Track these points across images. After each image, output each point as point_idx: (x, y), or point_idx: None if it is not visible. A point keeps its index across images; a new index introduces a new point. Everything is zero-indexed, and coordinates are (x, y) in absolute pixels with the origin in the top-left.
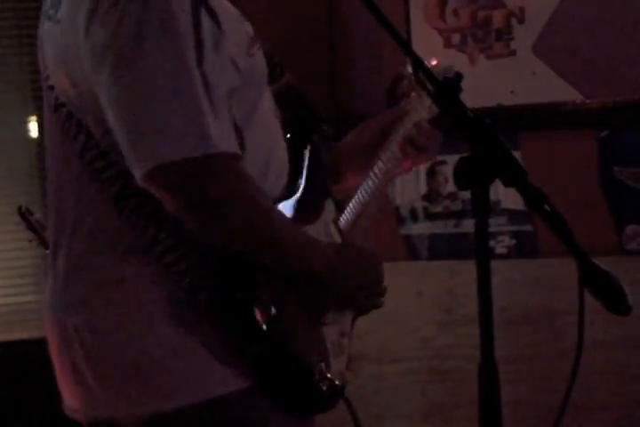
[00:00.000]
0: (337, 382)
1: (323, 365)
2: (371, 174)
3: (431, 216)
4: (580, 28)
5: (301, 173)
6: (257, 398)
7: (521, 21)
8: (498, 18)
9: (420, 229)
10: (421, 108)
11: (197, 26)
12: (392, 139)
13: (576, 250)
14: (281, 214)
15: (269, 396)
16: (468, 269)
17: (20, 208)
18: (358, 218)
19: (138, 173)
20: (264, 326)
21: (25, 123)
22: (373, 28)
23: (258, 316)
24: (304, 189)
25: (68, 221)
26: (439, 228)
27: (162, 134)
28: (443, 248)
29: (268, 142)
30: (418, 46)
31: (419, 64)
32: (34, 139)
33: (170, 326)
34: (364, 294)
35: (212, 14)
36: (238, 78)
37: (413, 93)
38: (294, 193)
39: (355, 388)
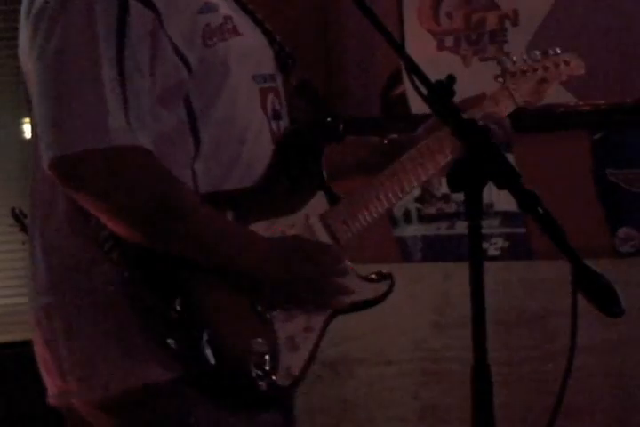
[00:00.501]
0: (277, 379)
1: (264, 359)
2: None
3: (425, 218)
4: (573, 30)
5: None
6: (183, 389)
7: (515, 24)
8: (491, 20)
9: (414, 230)
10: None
11: (121, 16)
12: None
13: (569, 252)
14: (196, 208)
15: (195, 388)
16: (462, 272)
17: (13, 210)
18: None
19: (45, 162)
20: (177, 317)
21: (18, 124)
22: (367, 31)
23: (175, 306)
24: (274, 180)
25: (39, 210)
26: (433, 230)
27: (63, 126)
28: (436, 250)
29: (232, 132)
30: (411, 48)
31: (412, 66)
32: (27, 140)
33: (107, 316)
34: (312, 289)
35: (148, 4)
36: (184, 70)
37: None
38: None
39: (348, 391)
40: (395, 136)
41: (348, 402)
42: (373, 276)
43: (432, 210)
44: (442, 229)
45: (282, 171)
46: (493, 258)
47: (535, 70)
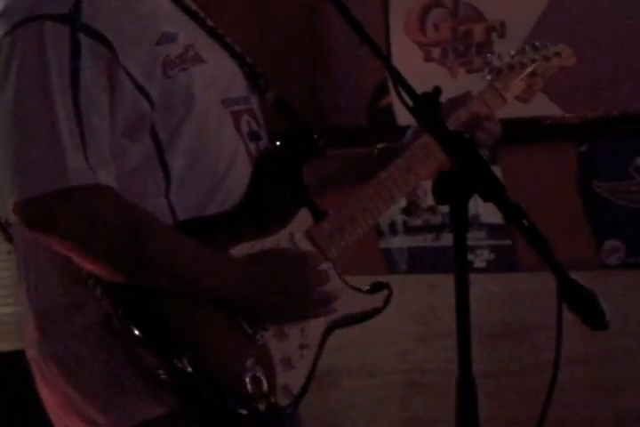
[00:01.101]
0: (275, 399)
1: (260, 381)
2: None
3: (411, 229)
4: (560, 42)
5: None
6: (182, 422)
7: (501, 35)
8: (478, 32)
9: (400, 242)
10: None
11: (74, 55)
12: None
13: (554, 265)
14: (165, 238)
15: (195, 419)
16: (448, 283)
17: None
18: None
19: (9, 207)
20: (162, 348)
21: None
22: (354, 42)
23: (159, 338)
24: (254, 201)
25: (22, 254)
26: (418, 241)
27: (22, 171)
28: (422, 262)
29: (205, 159)
30: (398, 60)
31: (398, 78)
32: None
33: (98, 354)
34: (293, 302)
35: (101, 39)
36: (145, 103)
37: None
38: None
39: (333, 402)
40: (383, 145)
41: (333, 413)
42: (368, 287)
43: (418, 221)
44: (428, 240)
45: (261, 191)
46: (479, 270)
47: (524, 65)
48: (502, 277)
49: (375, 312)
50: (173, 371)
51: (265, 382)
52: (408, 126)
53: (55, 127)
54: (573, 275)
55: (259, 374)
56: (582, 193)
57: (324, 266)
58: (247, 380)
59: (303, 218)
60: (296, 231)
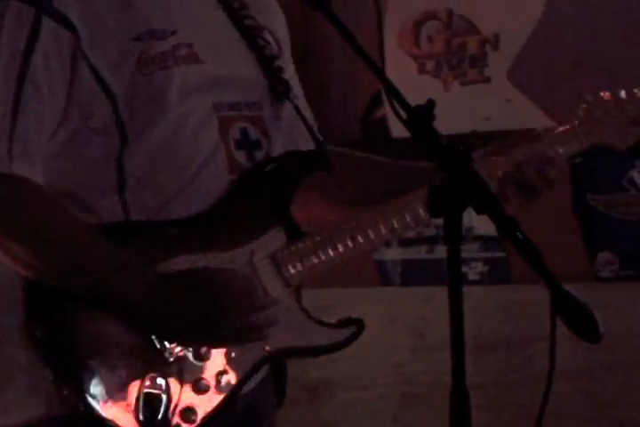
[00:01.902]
0: (171, 421)
1: (157, 398)
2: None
3: (404, 242)
4: (553, 55)
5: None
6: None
7: (495, 48)
8: (472, 44)
9: (393, 254)
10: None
11: (31, 37)
12: None
13: (548, 277)
14: (68, 233)
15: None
16: (441, 296)
17: None
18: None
19: None
20: (56, 352)
21: None
22: (348, 55)
23: (53, 340)
24: (221, 211)
25: None
26: (412, 253)
27: None
28: (416, 274)
29: (171, 162)
30: (392, 72)
31: (392, 90)
32: None
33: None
34: (206, 325)
35: (66, 24)
36: (103, 97)
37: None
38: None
39: (327, 415)
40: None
41: (327, 426)
42: (333, 321)
43: (411, 234)
44: (421, 252)
45: (235, 202)
46: (473, 282)
47: (623, 110)
48: (496, 289)
49: (333, 348)
50: (62, 378)
51: (162, 401)
52: (402, 139)
53: None
54: (567, 287)
55: (157, 391)
56: (576, 205)
57: (276, 292)
58: (143, 395)
59: (273, 236)
60: (260, 250)
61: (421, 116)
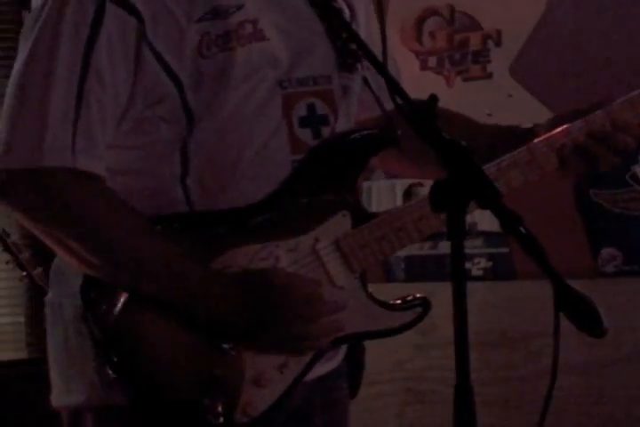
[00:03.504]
0: (232, 414)
1: (219, 391)
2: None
3: None
4: (556, 51)
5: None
6: (133, 417)
7: (497, 44)
8: (474, 40)
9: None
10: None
11: (95, 23)
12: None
13: (551, 273)
14: (138, 238)
15: (144, 416)
16: (445, 292)
17: None
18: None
19: None
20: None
21: None
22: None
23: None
24: (285, 195)
25: None
26: (416, 249)
27: (4, 136)
28: (419, 270)
29: (232, 144)
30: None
31: (394, 86)
32: None
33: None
34: (274, 334)
35: (131, 10)
36: (169, 83)
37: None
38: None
39: None
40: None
41: None
42: (399, 302)
43: None
44: (425, 248)
45: (298, 185)
46: (477, 278)
47: None
48: (500, 284)
49: (401, 330)
50: (122, 368)
51: (224, 394)
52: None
53: (48, 100)
54: (570, 283)
55: (219, 384)
56: (579, 201)
57: (340, 283)
58: (205, 388)
59: (338, 222)
60: (324, 237)
61: (424, 112)
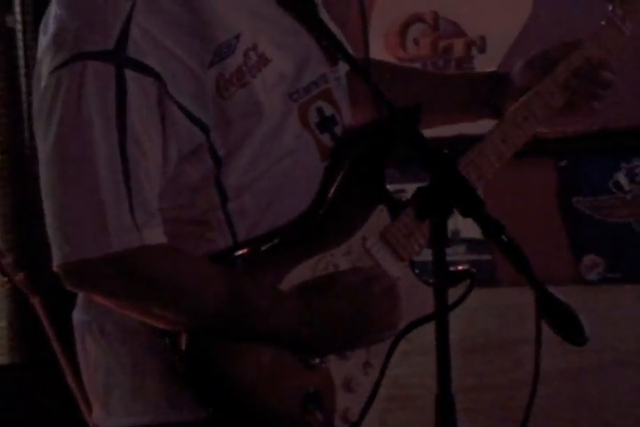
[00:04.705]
0: (334, 423)
1: (319, 406)
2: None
3: None
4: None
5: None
6: None
7: (481, 51)
8: (458, 47)
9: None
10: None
11: (121, 96)
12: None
13: (533, 280)
14: (216, 290)
15: None
16: None
17: None
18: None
19: (54, 263)
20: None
21: None
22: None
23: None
24: (323, 205)
25: None
26: (419, 251)
27: (64, 233)
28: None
29: (266, 166)
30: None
31: (377, 93)
32: None
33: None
34: (354, 336)
35: (147, 71)
36: (199, 133)
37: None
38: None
39: None
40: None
41: None
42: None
43: None
44: None
45: (334, 191)
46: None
47: None
48: (482, 291)
49: (454, 306)
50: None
51: (324, 407)
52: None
53: (96, 187)
54: (553, 290)
55: (318, 400)
56: (562, 208)
57: (396, 274)
58: (306, 408)
59: (378, 217)
60: (371, 234)
61: (407, 119)
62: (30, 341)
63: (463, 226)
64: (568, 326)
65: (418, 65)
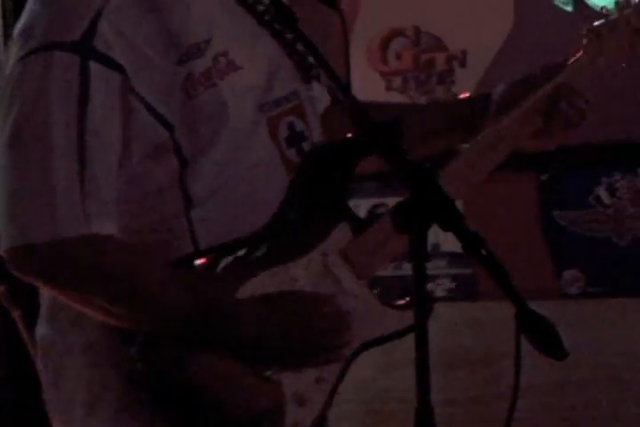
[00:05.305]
0: None
1: (269, 419)
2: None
3: None
4: (521, 72)
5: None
6: None
7: (463, 65)
8: (440, 61)
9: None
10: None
11: (83, 88)
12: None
13: (513, 295)
14: (163, 287)
15: None
16: (409, 312)
17: None
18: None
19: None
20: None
21: None
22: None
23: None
24: (286, 219)
25: None
26: (380, 270)
27: (13, 218)
28: (383, 291)
29: (232, 175)
30: (358, 89)
31: (357, 108)
32: None
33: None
34: (308, 350)
35: (112, 65)
36: (162, 130)
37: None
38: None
39: None
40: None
41: None
42: (405, 301)
43: None
44: (389, 269)
45: (297, 206)
46: (440, 299)
47: (628, 20)
48: (463, 305)
49: (407, 331)
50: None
51: (274, 421)
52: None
53: (49, 175)
54: (533, 304)
55: (268, 413)
56: (543, 222)
57: (354, 292)
58: (255, 420)
59: (340, 233)
60: (331, 250)
61: (388, 133)
62: (10, 354)
63: (444, 240)
64: (548, 341)
65: (399, 79)
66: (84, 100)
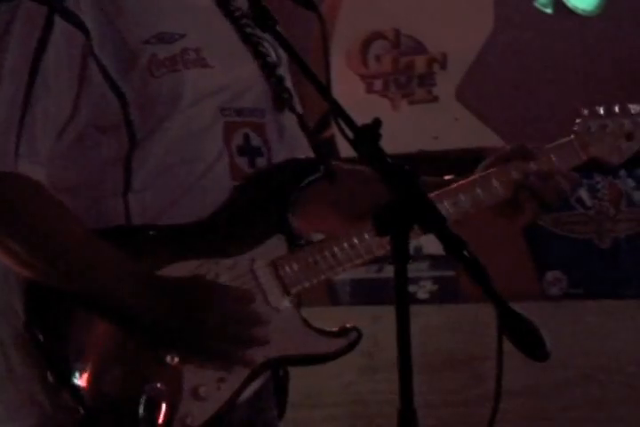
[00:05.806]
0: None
1: (156, 403)
2: None
3: None
4: (501, 74)
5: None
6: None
7: (443, 67)
8: (420, 64)
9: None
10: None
11: (43, 36)
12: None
13: (494, 297)
14: (68, 234)
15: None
16: (391, 315)
17: None
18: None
19: None
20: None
21: None
22: (293, 72)
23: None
24: (224, 217)
25: None
26: (361, 273)
27: None
28: (364, 293)
29: (176, 164)
30: (339, 92)
31: (337, 109)
32: None
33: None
34: (202, 336)
35: (78, 25)
36: (113, 100)
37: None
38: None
39: None
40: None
41: None
42: (335, 330)
43: None
44: (370, 272)
45: (237, 209)
46: (422, 301)
47: (620, 125)
48: (445, 308)
49: (330, 357)
50: (62, 383)
51: (162, 407)
52: (351, 158)
53: None
54: (515, 306)
55: (157, 397)
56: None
57: (275, 304)
58: (142, 400)
59: (274, 244)
60: (261, 258)
61: (368, 136)
62: None
63: (426, 242)
64: (530, 342)
65: (380, 81)
66: (41, 50)
